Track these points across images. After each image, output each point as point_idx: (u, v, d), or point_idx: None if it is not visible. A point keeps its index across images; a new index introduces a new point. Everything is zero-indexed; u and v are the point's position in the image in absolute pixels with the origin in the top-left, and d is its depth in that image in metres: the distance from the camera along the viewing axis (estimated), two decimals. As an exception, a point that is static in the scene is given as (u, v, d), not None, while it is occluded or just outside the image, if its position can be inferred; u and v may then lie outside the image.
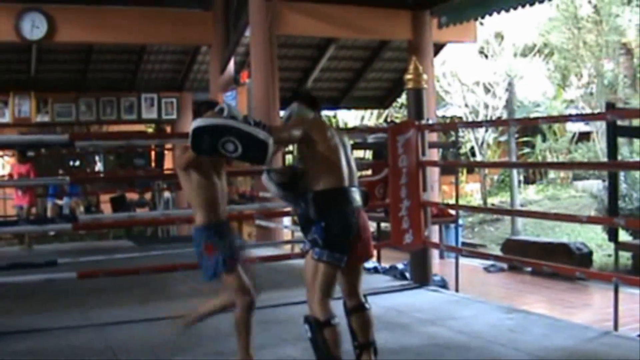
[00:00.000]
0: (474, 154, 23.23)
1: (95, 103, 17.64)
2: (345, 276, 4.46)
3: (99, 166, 21.18)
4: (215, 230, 4.49)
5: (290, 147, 8.77)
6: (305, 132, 4.39)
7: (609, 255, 13.41)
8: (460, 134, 22.34)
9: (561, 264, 10.56)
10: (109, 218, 8.61)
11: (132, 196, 17.43)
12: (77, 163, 20.86)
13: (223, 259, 4.41)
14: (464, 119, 22.47)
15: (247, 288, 4.47)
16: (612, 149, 6.97)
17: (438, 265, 10.81)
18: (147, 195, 17.55)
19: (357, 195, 4.43)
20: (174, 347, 5.41)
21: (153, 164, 20.10)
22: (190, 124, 4.26)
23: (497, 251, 15.01)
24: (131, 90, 18.07)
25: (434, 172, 11.64)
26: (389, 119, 21.93)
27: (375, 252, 7.90)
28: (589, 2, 22.55)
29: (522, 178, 23.89)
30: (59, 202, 16.16)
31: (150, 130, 20.92)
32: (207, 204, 4.48)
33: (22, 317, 6.57)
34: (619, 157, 12.41)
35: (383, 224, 10.04)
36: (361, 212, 4.43)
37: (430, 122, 8.69)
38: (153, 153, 19.89)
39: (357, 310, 4.45)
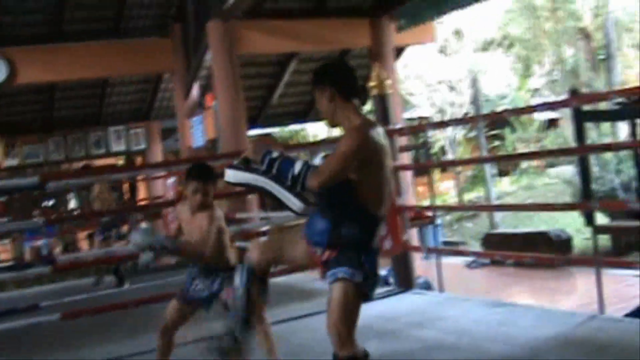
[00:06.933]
0: (445, 153, 23.33)
1: (64, 141, 17.56)
2: None
3: (73, 203, 21.06)
4: None
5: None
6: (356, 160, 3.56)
7: (589, 239, 13.51)
8: (430, 134, 22.44)
9: (542, 253, 10.68)
10: (88, 256, 8.55)
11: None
12: (51, 202, 20.73)
13: None
14: (432, 119, 22.57)
15: None
16: (579, 134, 7.04)
17: (420, 267, 10.84)
18: (124, 228, 17.47)
19: None
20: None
21: (127, 196, 20.01)
22: (226, 172, 3.89)
23: (477, 247, 15.09)
24: (99, 124, 18.02)
25: (407, 175, 11.69)
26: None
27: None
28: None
29: (495, 171, 24.04)
30: (37, 243, 16.05)
31: (120, 162, 20.85)
32: None
33: (10, 365, 6.51)
34: (588, 141, 12.53)
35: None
36: None
37: (398, 126, 8.71)
38: (126, 185, 19.82)
39: None
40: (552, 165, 23.24)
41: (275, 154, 3.67)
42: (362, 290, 3.58)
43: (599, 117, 9.92)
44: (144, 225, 4.08)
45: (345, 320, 3.52)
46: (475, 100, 21.86)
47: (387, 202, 3.70)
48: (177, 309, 4.74)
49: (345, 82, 3.74)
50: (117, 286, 10.84)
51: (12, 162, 17.06)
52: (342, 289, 3.53)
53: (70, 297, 9.39)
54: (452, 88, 22.42)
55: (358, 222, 3.61)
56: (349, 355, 3.51)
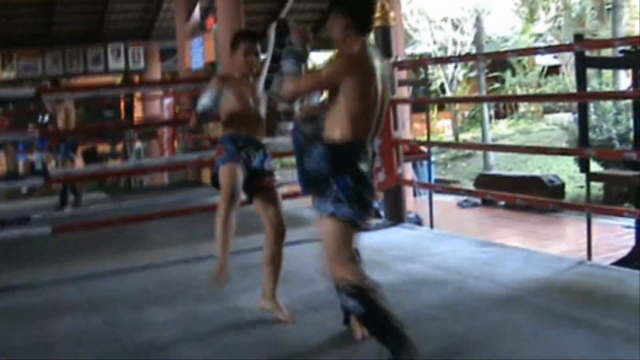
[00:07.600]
0: (444, 91, 23.21)
1: (62, 56, 17.41)
2: None
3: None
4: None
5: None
6: (336, 79, 3.50)
7: (581, 187, 13.54)
8: (430, 71, 22.29)
9: (534, 197, 10.67)
10: (81, 171, 8.55)
11: (103, 148, 17.33)
12: (47, 118, 20.67)
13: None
14: (433, 56, 22.42)
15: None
16: (581, 80, 6.97)
17: (412, 202, 10.87)
18: (119, 147, 17.47)
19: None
20: (154, 296, 5.42)
21: (123, 115, 19.96)
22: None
23: (470, 187, 15.11)
24: (97, 41, 17.85)
25: (404, 110, 11.64)
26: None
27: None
28: None
29: (492, 113, 23.95)
30: (31, 157, 16.04)
31: (118, 80, 20.76)
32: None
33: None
34: (589, 89, 12.45)
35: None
36: None
37: (399, 59, 8.63)
38: (122, 104, 19.76)
39: None
40: (550, 112, 23.14)
41: (293, 40, 3.77)
42: (350, 222, 3.53)
43: (601, 63, 9.82)
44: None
45: (339, 254, 3.53)
46: (477, 41, 21.70)
47: (371, 129, 3.61)
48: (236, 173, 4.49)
49: (363, 15, 3.63)
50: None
51: (9, 75, 16.94)
52: (329, 225, 3.53)
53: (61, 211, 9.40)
54: (455, 27, 22.22)
55: (326, 155, 3.53)
56: (353, 283, 3.49)
